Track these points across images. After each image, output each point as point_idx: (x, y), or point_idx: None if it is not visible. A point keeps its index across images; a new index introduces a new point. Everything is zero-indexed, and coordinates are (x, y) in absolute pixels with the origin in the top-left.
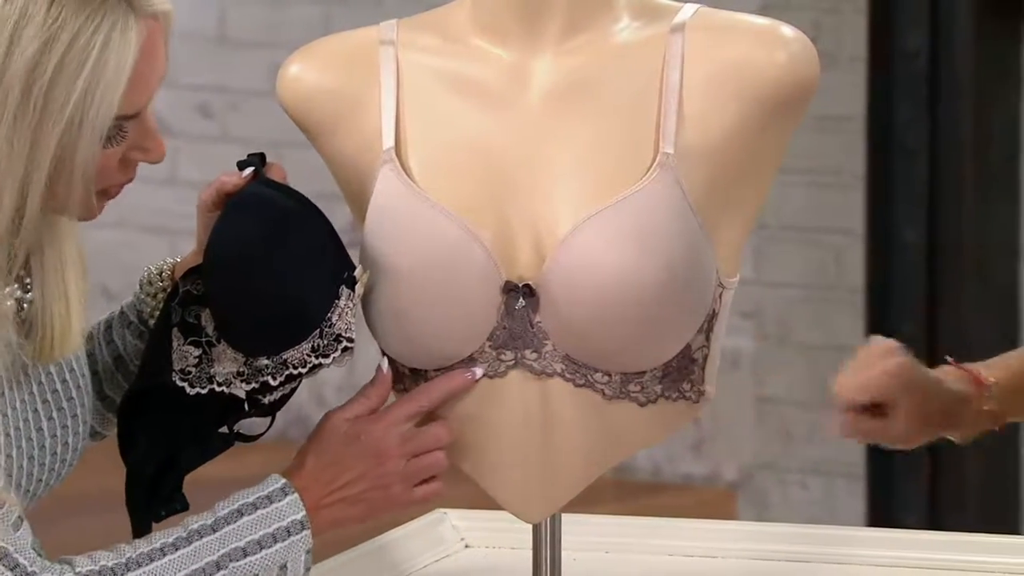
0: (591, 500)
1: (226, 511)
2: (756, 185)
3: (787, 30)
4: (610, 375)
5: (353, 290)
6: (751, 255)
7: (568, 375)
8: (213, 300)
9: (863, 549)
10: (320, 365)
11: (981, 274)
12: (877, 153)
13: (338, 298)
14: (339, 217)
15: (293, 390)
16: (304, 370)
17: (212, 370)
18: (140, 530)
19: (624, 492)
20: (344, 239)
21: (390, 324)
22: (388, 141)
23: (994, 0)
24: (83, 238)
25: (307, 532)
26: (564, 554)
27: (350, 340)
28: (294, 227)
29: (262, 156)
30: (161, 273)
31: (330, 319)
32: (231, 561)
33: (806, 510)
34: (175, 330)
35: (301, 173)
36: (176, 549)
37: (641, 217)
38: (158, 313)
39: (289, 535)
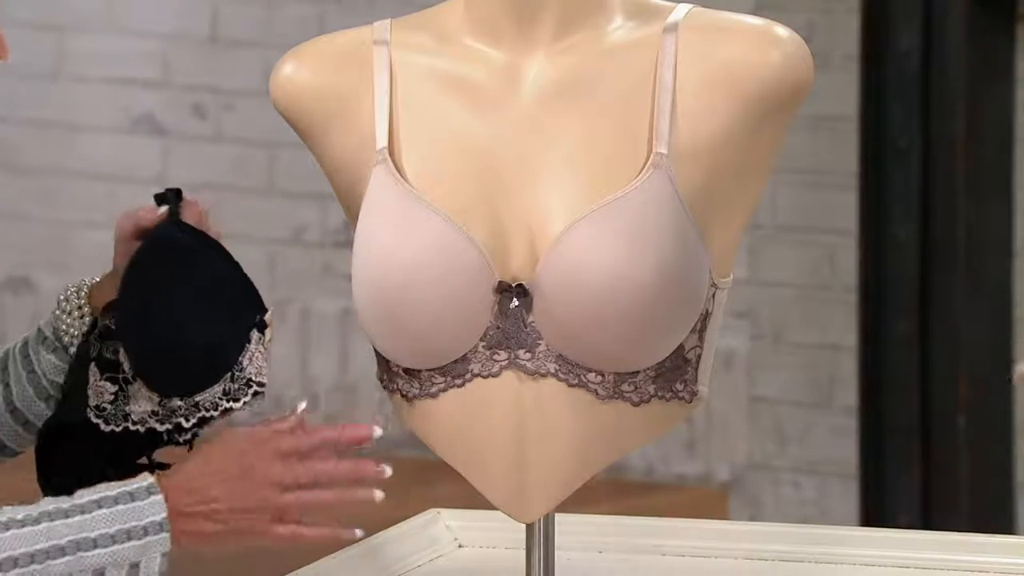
0: (584, 500)
1: (85, 500)
2: (750, 185)
3: (781, 30)
4: (603, 375)
5: (263, 334)
6: (744, 255)
7: (561, 375)
8: (127, 339)
9: (856, 549)
10: (231, 409)
11: (974, 273)
12: (870, 153)
13: (248, 342)
14: (333, 217)
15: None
16: (216, 413)
17: (128, 407)
18: None
19: (617, 492)
20: (338, 239)
21: (383, 324)
22: (381, 141)
23: (986, 1)
24: (76, 239)
25: (166, 535)
26: (557, 554)
27: (260, 384)
28: (201, 272)
29: (178, 192)
30: (79, 291)
31: (241, 363)
32: (79, 550)
33: (799, 510)
34: (92, 364)
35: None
36: (23, 525)
37: (634, 217)
38: (72, 332)
39: (146, 535)
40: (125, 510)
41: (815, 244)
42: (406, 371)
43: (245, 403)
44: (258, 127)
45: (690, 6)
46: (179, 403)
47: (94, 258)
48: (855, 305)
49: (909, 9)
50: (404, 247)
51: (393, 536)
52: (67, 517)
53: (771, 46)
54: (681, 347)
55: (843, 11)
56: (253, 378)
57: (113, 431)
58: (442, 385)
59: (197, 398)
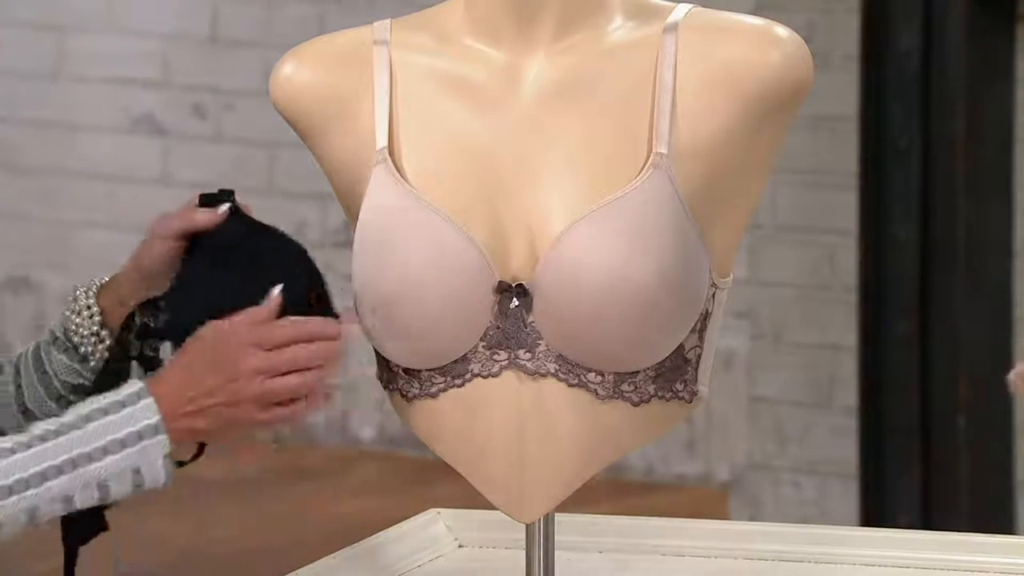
0: (584, 500)
1: (74, 416)
2: (750, 185)
3: (781, 30)
4: (603, 375)
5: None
6: (745, 255)
7: (561, 375)
8: (182, 337)
9: (856, 549)
10: None
11: (974, 273)
12: (870, 153)
13: None
14: (333, 216)
15: None
16: None
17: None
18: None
19: (617, 492)
20: (338, 239)
21: (383, 324)
22: (381, 141)
23: (986, 1)
24: (76, 239)
25: (163, 437)
26: (557, 554)
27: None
28: (276, 271)
29: (231, 192)
30: (88, 291)
31: None
32: (76, 466)
33: (799, 510)
34: (134, 364)
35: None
36: (12, 453)
37: (634, 217)
38: (82, 331)
39: (141, 439)
40: (117, 419)
41: (815, 244)
42: (406, 371)
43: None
44: (258, 127)
45: (690, 6)
46: None
47: (94, 258)
48: (855, 305)
49: (909, 9)
50: (404, 247)
51: (393, 536)
52: (58, 436)
53: (771, 46)
54: (681, 347)
55: (843, 11)
56: None
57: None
58: (442, 385)
59: None
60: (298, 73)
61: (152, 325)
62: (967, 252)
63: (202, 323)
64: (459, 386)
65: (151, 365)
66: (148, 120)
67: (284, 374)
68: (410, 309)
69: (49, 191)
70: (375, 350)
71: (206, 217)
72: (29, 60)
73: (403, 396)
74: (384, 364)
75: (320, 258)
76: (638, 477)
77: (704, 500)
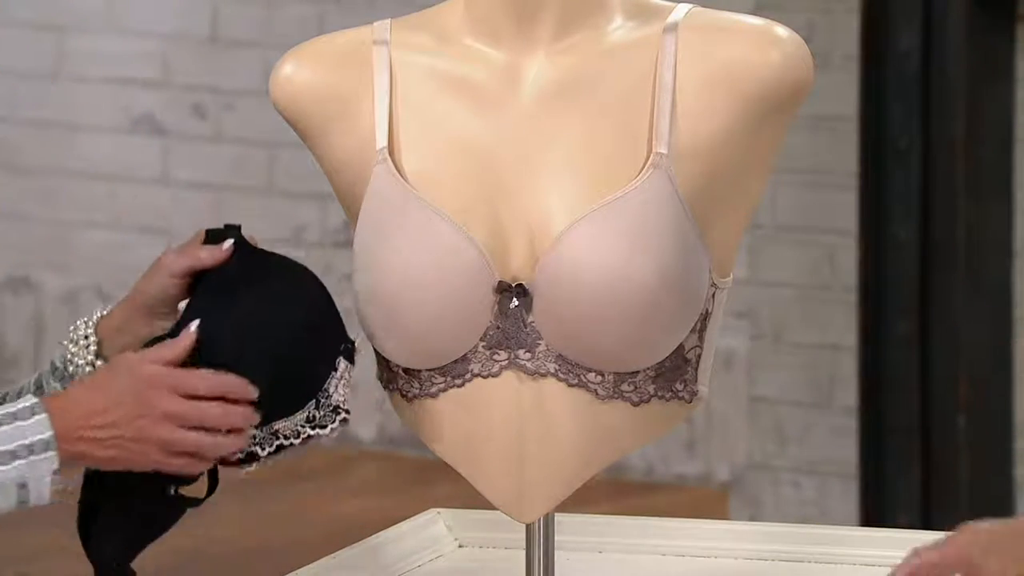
0: (584, 500)
1: None
2: (750, 185)
3: (781, 30)
4: (603, 375)
5: (352, 362)
6: (744, 255)
7: (561, 375)
8: (208, 367)
9: (856, 549)
10: (314, 436)
11: (974, 273)
12: (870, 153)
13: (335, 369)
14: (334, 217)
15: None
16: (297, 441)
17: None
18: None
19: (617, 491)
20: (338, 239)
21: (383, 324)
22: (381, 141)
23: (986, 1)
24: (76, 239)
25: (52, 453)
26: (557, 554)
27: (347, 411)
28: (289, 299)
29: (238, 228)
30: (88, 322)
31: (327, 390)
32: None
33: (799, 510)
34: None
35: (295, 173)
36: None
37: (634, 217)
38: (78, 361)
39: (31, 454)
40: (8, 431)
41: (815, 244)
42: (406, 371)
43: (332, 429)
44: (258, 127)
45: (690, 6)
46: (254, 431)
47: (94, 258)
48: (855, 305)
49: (909, 9)
50: (404, 247)
51: (393, 536)
52: None
53: (771, 46)
54: (681, 347)
55: (843, 11)
56: (341, 405)
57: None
58: (442, 385)
59: (277, 425)
60: (298, 73)
61: None
62: (967, 252)
63: (213, 357)
64: (459, 386)
65: None
66: (148, 120)
67: (193, 427)
68: (410, 309)
69: (49, 191)
70: (375, 350)
71: (211, 255)
72: (29, 60)
73: (403, 396)
74: (384, 364)
75: (320, 258)
76: (638, 477)
77: (704, 500)
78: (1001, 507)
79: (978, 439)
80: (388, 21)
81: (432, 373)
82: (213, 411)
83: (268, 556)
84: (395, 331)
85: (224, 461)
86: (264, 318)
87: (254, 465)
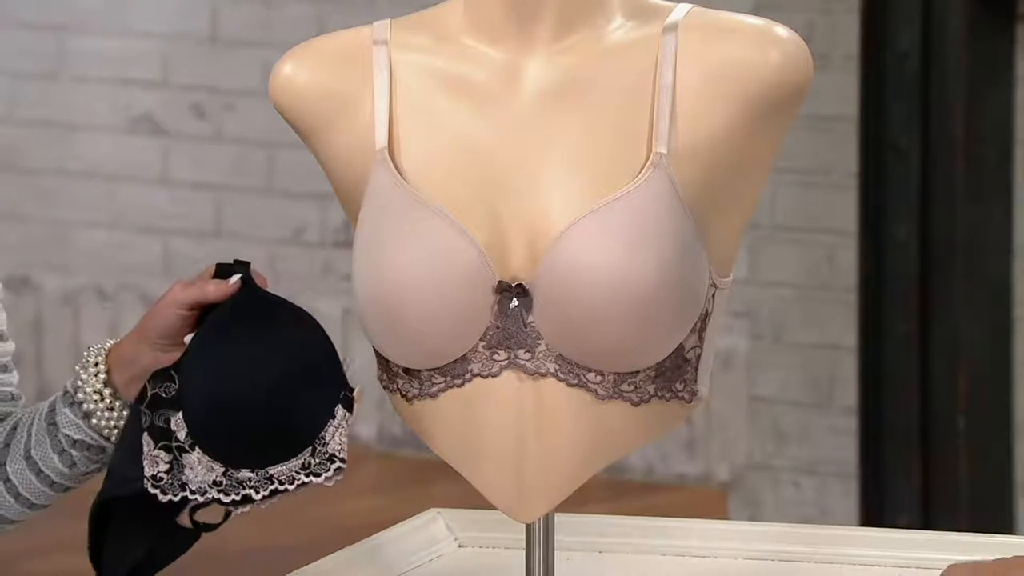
0: (584, 500)
1: None
2: (749, 185)
3: (781, 30)
4: (603, 375)
5: (351, 411)
6: (744, 255)
7: (561, 375)
8: (193, 408)
9: (856, 549)
10: (308, 484)
11: (974, 273)
12: (870, 153)
13: (333, 417)
14: (334, 217)
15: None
16: (292, 487)
17: (183, 477)
18: None
19: (617, 491)
20: (338, 238)
21: (383, 324)
22: (381, 141)
23: (986, 0)
24: (76, 239)
25: None
26: (557, 554)
27: (343, 461)
28: (290, 343)
29: (247, 264)
30: (99, 350)
31: (323, 437)
32: None
33: (799, 510)
34: (145, 434)
35: (295, 173)
36: None
37: (634, 217)
38: (87, 388)
39: None
40: None
41: (815, 244)
42: (406, 371)
43: (327, 478)
44: (258, 127)
45: (690, 6)
46: (249, 475)
47: (94, 258)
48: (855, 305)
49: (909, 9)
50: (404, 247)
51: (393, 536)
52: None
53: (771, 46)
54: (681, 347)
55: (843, 11)
56: (337, 454)
57: (171, 501)
58: (442, 385)
59: (272, 471)
60: (298, 73)
61: (164, 395)
62: (967, 252)
63: (213, 395)
64: (459, 386)
65: (162, 436)
66: (148, 120)
67: None
68: (410, 309)
69: (49, 191)
70: (375, 350)
71: (218, 289)
72: (29, 60)
73: (403, 396)
74: (384, 365)
75: (320, 258)
76: (638, 477)
77: (704, 500)
78: (1001, 507)
79: (978, 439)
80: (388, 21)
81: (432, 373)
82: None
83: (268, 556)
84: (395, 331)
85: (218, 503)
86: (261, 361)
87: (248, 507)
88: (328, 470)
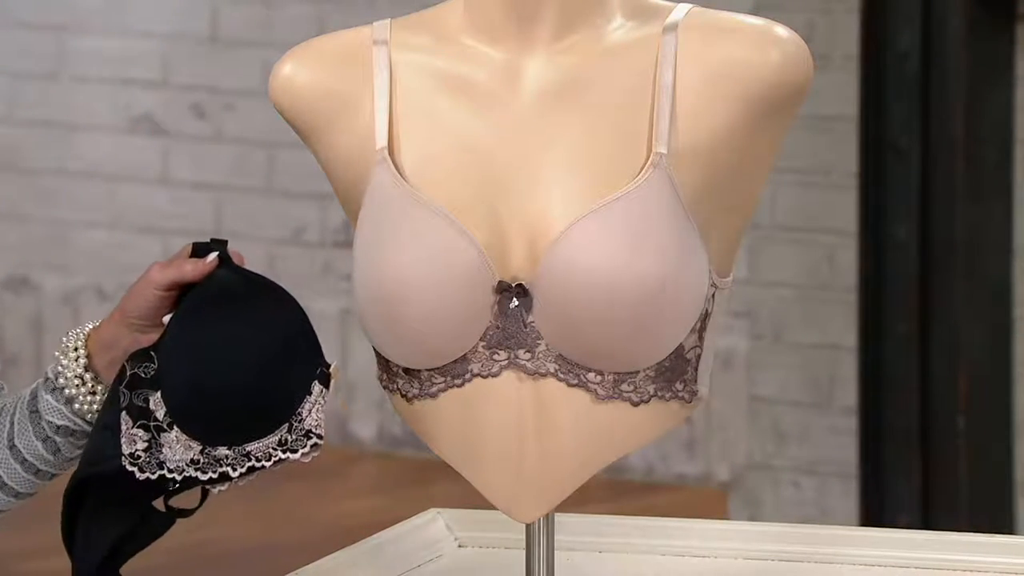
0: (584, 499)
1: None
2: (749, 185)
3: (781, 30)
4: (603, 375)
5: (327, 386)
6: (744, 255)
7: (561, 375)
8: (172, 387)
9: (856, 549)
10: (285, 460)
11: (974, 273)
12: (870, 153)
13: (309, 393)
14: (334, 217)
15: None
16: (268, 463)
17: (161, 456)
18: None
19: (617, 491)
20: (338, 238)
21: (383, 324)
22: (381, 141)
23: (986, 0)
24: (76, 239)
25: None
26: (557, 554)
27: (319, 436)
28: (268, 320)
29: (224, 243)
30: (79, 335)
31: (300, 414)
32: None
33: (799, 510)
34: (123, 413)
35: (295, 173)
36: None
37: (634, 217)
38: (67, 373)
39: None
40: None
41: (815, 244)
42: (406, 371)
43: (303, 454)
44: (258, 127)
45: (690, 6)
46: (226, 452)
47: (94, 258)
48: (855, 305)
49: (909, 9)
50: (404, 247)
51: (393, 536)
52: None
53: (771, 46)
54: (681, 347)
55: (843, 11)
56: (313, 429)
57: (148, 479)
58: (442, 385)
59: (248, 447)
60: (298, 73)
61: (142, 375)
62: (967, 252)
63: (192, 374)
64: (459, 386)
65: (140, 415)
66: (148, 120)
67: None
68: (410, 309)
69: (49, 191)
70: (375, 350)
71: (195, 268)
72: (29, 60)
73: (403, 396)
74: (384, 364)
75: (320, 258)
76: (638, 477)
77: (704, 500)
78: (1001, 507)
79: (978, 439)
80: (388, 21)
81: (432, 373)
82: None
83: (268, 556)
84: (395, 331)
85: (196, 482)
86: (239, 339)
87: (226, 485)
88: (305, 446)
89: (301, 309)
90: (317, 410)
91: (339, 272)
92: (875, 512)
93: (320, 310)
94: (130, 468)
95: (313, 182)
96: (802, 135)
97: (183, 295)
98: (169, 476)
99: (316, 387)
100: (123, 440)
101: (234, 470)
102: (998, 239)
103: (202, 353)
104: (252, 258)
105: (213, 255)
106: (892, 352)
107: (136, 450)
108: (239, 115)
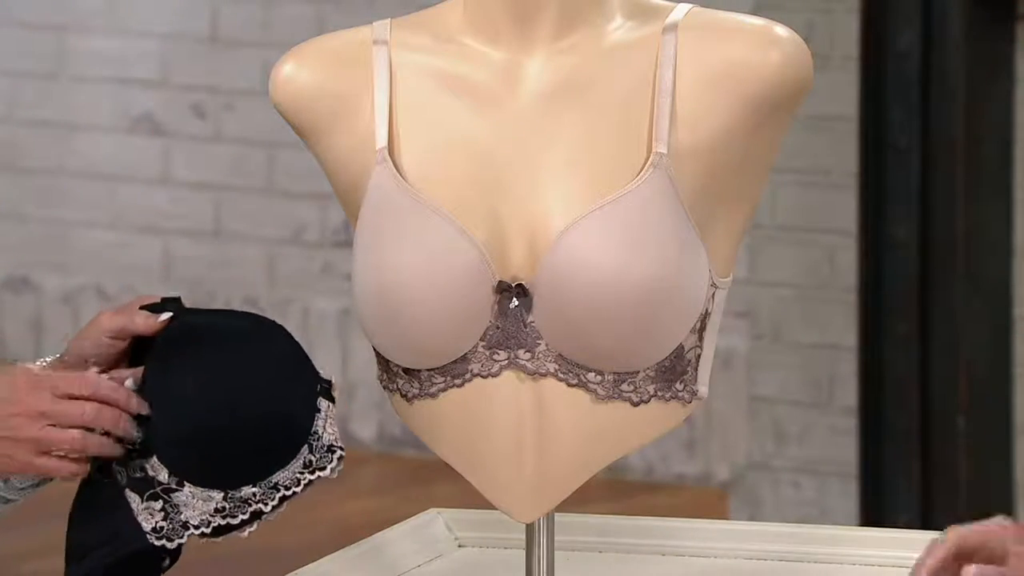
0: (584, 499)
1: None
2: (749, 185)
3: (781, 30)
4: (603, 375)
5: (332, 400)
6: (744, 255)
7: (561, 375)
8: (166, 447)
9: (855, 549)
10: (315, 480)
11: (973, 273)
12: (869, 152)
13: (318, 411)
14: (334, 217)
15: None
16: (299, 488)
17: (182, 517)
18: None
19: (617, 491)
20: (338, 238)
21: (383, 324)
22: (381, 141)
23: (986, 0)
24: (76, 238)
25: None
26: (557, 554)
27: (342, 449)
28: (251, 350)
29: (177, 299)
30: (41, 367)
31: (316, 432)
32: None
33: (798, 510)
34: (127, 492)
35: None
36: None
37: (634, 216)
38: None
39: None
40: None
41: (815, 244)
42: (406, 371)
43: (332, 469)
44: (257, 127)
45: (690, 6)
46: (253, 490)
47: (94, 258)
48: (855, 305)
49: (909, 9)
50: (404, 247)
51: (393, 536)
52: None
53: (771, 46)
54: (681, 347)
55: (843, 11)
56: (334, 443)
57: (180, 545)
58: (442, 385)
59: (275, 478)
60: (298, 73)
61: (131, 448)
62: (967, 252)
63: (184, 428)
64: (459, 386)
65: (146, 485)
66: (148, 120)
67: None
68: (410, 309)
69: (49, 191)
70: (375, 350)
71: (146, 322)
72: (29, 60)
73: (403, 396)
74: (384, 364)
75: (320, 258)
76: (638, 477)
77: (704, 500)
78: (1001, 507)
79: (978, 439)
80: (387, 21)
81: (432, 373)
82: (86, 409)
83: (268, 556)
84: (395, 331)
85: (228, 528)
86: (227, 378)
87: (256, 525)
88: (331, 461)
89: (282, 328)
90: (331, 424)
91: (339, 272)
92: (875, 512)
93: (320, 310)
94: (158, 543)
95: (313, 182)
96: (802, 135)
97: (135, 349)
98: (198, 533)
99: (322, 403)
100: (140, 519)
101: (266, 505)
102: (998, 239)
103: (188, 405)
104: (252, 258)
105: (166, 315)
106: (892, 352)
107: (156, 523)
108: (239, 115)
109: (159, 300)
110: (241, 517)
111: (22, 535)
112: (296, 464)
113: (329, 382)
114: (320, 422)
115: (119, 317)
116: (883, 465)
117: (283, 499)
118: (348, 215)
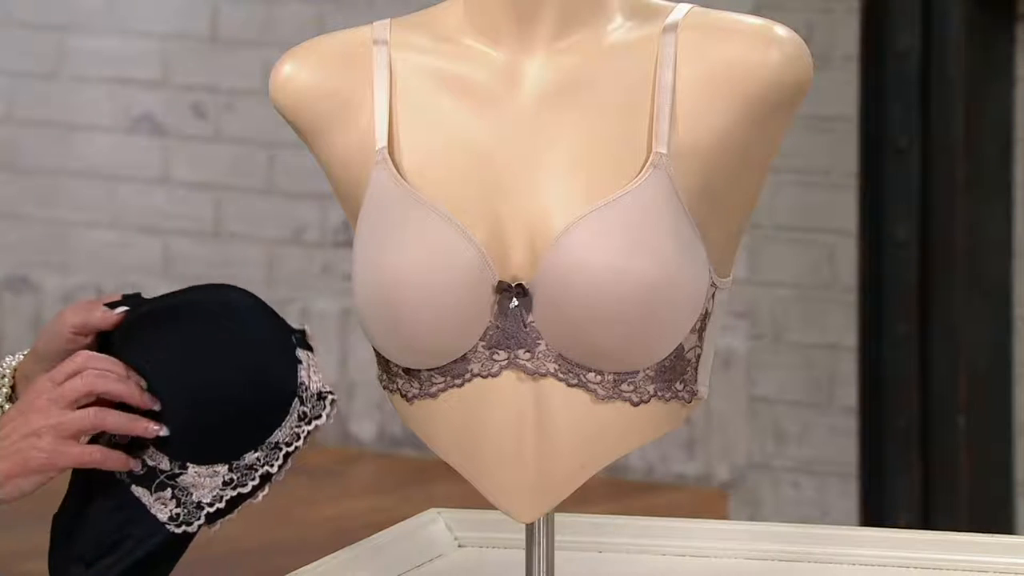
0: (584, 500)
1: None
2: (749, 185)
3: (780, 30)
4: (603, 375)
5: (310, 349)
6: (744, 255)
7: (561, 375)
8: (172, 429)
9: (856, 548)
10: (313, 430)
11: (974, 273)
12: (869, 153)
13: (299, 362)
14: (334, 217)
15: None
16: (300, 443)
17: (194, 497)
18: None
19: (617, 491)
20: (338, 238)
21: (382, 323)
22: (381, 141)
23: (986, 0)
24: (76, 238)
25: None
26: (557, 554)
27: (331, 393)
28: (222, 313)
29: (137, 295)
30: (8, 363)
31: (303, 383)
32: None
33: (799, 509)
34: (133, 488)
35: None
36: None
37: (634, 216)
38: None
39: None
40: None
41: (814, 244)
42: (406, 371)
43: (327, 415)
44: (258, 127)
45: (690, 6)
46: (256, 455)
47: (93, 258)
48: (855, 305)
49: (909, 9)
50: (404, 247)
51: (393, 536)
52: None
53: (771, 46)
54: (681, 347)
55: (843, 11)
56: (323, 390)
57: (200, 526)
58: (441, 385)
59: (275, 438)
60: (298, 73)
61: (119, 443)
62: (967, 252)
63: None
64: (459, 386)
65: (151, 478)
66: (148, 120)
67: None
68: (409, 308)
69: (49, 191)
70: (375, 350)
71: (104, 316)
72: (29, 60)
73: (403, 396)
74: (384, 365)
75: (319, 258)
76: (638, 477)
77: (704, 500)
78: (1001, 507)
79: (978, 439)
80: (388, 21)
81: (432, 373)
82: (87, 380)
83: (268, 556)
84: (395, 331)
85: (242, 498)
86: (201, 349)
87: (267, 488)
88: (324, 407)
89: (235, 288)
90: (315, 372)
91: (339, 272)
92: (875, 512)
93: (320, 310)
94: (179, 531)
95: (313, 182)
96: (802, 135)
97: (101, 347)
98: (213, 510)
99: (301, 353)
100: (154, 511)
101: (272, 466)
102: (998, 239)
103: (167, 388)
104: (252, 258)
105: (121, 309)
106: (892, 352)
107: (171, 511)
108: (239, 115)
109: (119, 297)
110: (251, 484)
111: (22, 535)
112: (291, 419)
113: (303, 331)
114: (304, 372)
115: (80, 312)
116: (883, 465)
117: (287, 456)
118: (348, 215)
